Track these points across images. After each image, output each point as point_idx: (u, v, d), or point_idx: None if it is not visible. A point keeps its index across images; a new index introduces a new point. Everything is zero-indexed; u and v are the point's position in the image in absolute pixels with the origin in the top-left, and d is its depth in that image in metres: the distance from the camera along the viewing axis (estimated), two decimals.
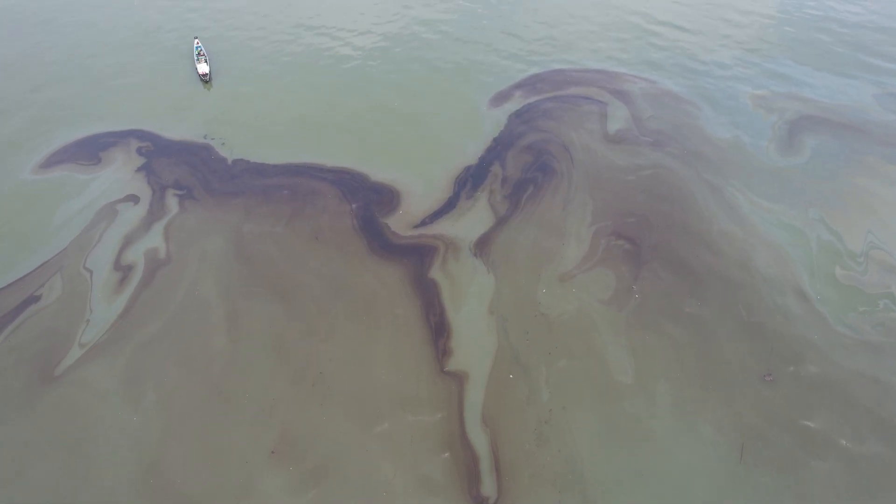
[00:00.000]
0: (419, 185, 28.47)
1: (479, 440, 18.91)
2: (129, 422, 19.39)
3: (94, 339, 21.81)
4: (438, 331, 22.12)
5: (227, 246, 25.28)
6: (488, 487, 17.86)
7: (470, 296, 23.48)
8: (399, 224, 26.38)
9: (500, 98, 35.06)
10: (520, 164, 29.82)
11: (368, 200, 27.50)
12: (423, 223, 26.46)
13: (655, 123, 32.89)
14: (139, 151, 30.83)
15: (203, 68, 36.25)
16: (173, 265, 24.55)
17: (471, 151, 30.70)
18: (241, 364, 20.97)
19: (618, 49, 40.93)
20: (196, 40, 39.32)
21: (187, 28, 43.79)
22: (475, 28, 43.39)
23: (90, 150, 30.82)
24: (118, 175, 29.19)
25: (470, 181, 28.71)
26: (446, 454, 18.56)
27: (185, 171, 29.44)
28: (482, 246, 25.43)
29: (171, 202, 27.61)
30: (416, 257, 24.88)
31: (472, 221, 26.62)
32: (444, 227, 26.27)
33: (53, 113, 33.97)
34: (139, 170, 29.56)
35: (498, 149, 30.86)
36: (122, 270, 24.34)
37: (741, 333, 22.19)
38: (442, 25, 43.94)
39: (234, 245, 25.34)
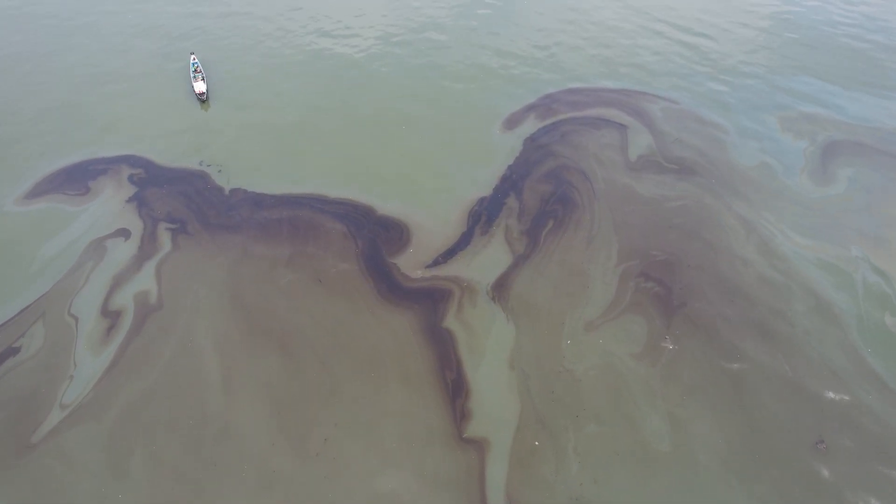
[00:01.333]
0: (430, 218, 26.48)
1: None
2: (114, 499, 17.36)
3: (77, 399, 19.82)
4: (455, 389, 20.14)
5: (222, 289, 23.29)
6: None
7: (489, 348, 21.50)
8: (409, 264, 24.40)
9: (514, 121, 33.05)
10: (537, 195, 27.82)
11: (375, 237, 25.49)
12: (436, 263, 24.48)
13: (679, 149, 30.88)
14: (131, 179, 28.83)
15: (200, 87, 34.22)
16: (165, 311, 22.56)
17: (484, 181, 28.71)
18: (237, 430, 18.98)
19: (635, 67, 38.93)
20: (192, 56, 37.31)
21: (182, 43, 41.68)
22: (483, 48, 41.38)
23: (78, 179, 28.83)
24: (108, 207, 27.19)
25: (484, 215, 26.71)
26: None
27: (179, 201, 27.43)
28: (500, 289, 23.45)
29: (164, 238, 25.62)
30: (429, 303, 22.89)
31: (488, 261, 24.64)
32: (458, 268, 24.28)
33: (38, 137, 31.93)
34: (130, 200, 27.57)
35: (513, 178, 28.86)
36: (110, 317, 22.36)
37: (787, 393, 20.20)
38: (449, 45, 41.93)
39: (231, 289, 23.34)
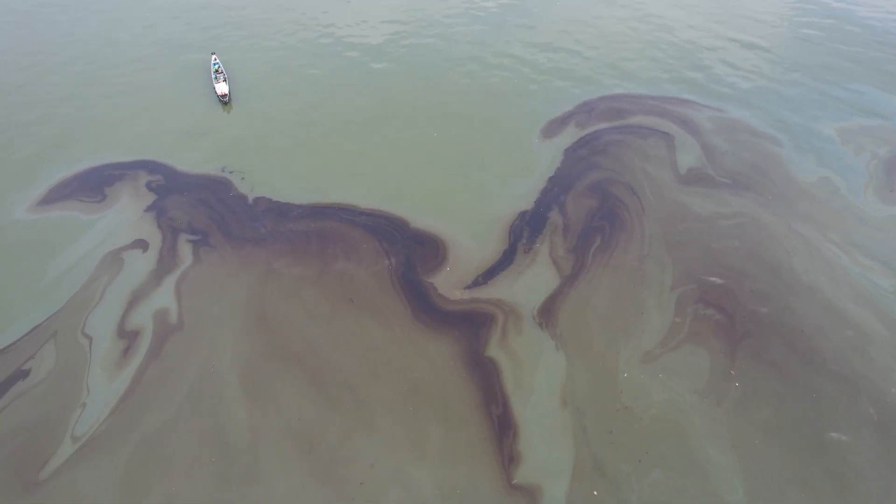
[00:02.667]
0: (467, 233, 24.61)
1: None
2: None
3: (91, 430, 18.11)
4: (502, 428, 18.22)
5: (247, 309, 21.52)
6: None
7: (537, 381, 19.58)
8: (447, 284, 22.52)
9: (552, 129, 31.10)
10: (582, 209, 25.85)
11: (409, 253, 23.65)
12: (476, 283, 22.58)
13: (732, 161, 28.79)
14: (149, 186, 27.16)
15: (222, 88, 32.55)
16: (185, 332, 20.84)
17: (524, 193, 26.78)
18: (264, 470, 17.15)
19: (678, 72, 36.82)
20: (214, 56, 35.68)
21: (203, 42, 40.06)
22: (519, 52, 39.39)
23: (94, 185, 27.21)
24: (125, 215, 25.55)
25: (526, 230, 24.79)
26: None
27: (201, 211, 25.73)
28: (547, 314, 21.52)
29: (185, 250, 23.91)
30: (470, 328, 21.01)
31: (532, 282, 22.71)
32: (500, 290, 22.38)
33: (52, 140, 30.38)
34: (148, 209, 25.89)
35: (555, 190, 26.90)
36: (127, 337, 20.67)
37: (873, 439, 18.10)
38: (483, 50, 39.99)
39: (256, 308, 21.58)
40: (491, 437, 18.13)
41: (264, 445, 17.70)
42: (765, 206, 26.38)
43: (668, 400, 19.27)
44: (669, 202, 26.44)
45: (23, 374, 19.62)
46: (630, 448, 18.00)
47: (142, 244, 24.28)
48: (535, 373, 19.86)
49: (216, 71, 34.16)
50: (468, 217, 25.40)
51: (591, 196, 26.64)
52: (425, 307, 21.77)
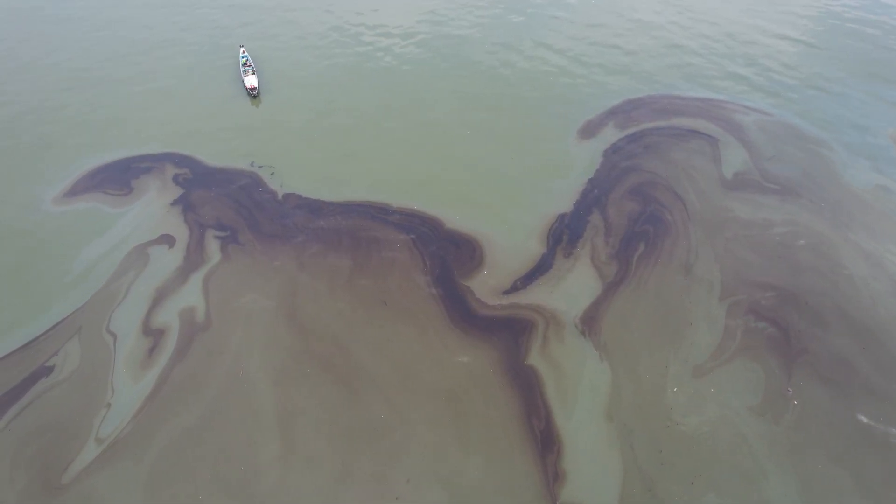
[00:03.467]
0: (505, 236, 23.55)
1: None
2: None
3: (114, 432, 17.36)
4: (546, 443, 17.16)
5: (277, 309, 20.67)
6: None
7: (581, 393, 18.46)
8: (484, 289, 21.48)
9: (590, 129, 29.93)
10: (623, 213, 24.67)
11: (445, 255, 22.65)
12: (514, 288, 21.52)
13: (780, 167, 27.44)
14: (176, 180, 26.44)
15: (251, 81, 31.80)
16: (213, 333, 20.02)
17: (562, 195, 25.67)
18: (294, 482, 16.27)
19: (721, 72, 35.45)
20: (242, 49, 34.97)
21: (230, 35, 39.40)
22: (555, 51, 38.22)
23: (121, 177, 26.59)
24: (151, 209, 24.85)
25: (566, 234, 23.69)
26: None
27: (229, 206, 24.95)
28: (590, 322, 20.40)
29: (212, 247, 23.12)
30: (509, 335, 19.96)
31: (574, 288, 21.61)
32: (540, 295, 21.30)
33: (80, 131, 29.84)
34: (175, 203, 25.17)
35: (595, 193, 25.75)
36: (153, 336, 19.89)
37: None
38: (517, 47, 38.88)
39: (286, 309, 20.71)
40: (534, 452, 17.10)
41: (294, 456, 16.82)
42: (818, 214, 25.01)
43: (721, 417, 18.09)
44: (715, 208, 25.17)
45: (46, 370, 18.93)
46: (682, 469, 16.85)
47: (168, 239, 23.54)
48: (579, 384, 18.76)
49: (244, 64, 33.44)
50: (505, 218, 24.36)
51: (632, 200, 25.46)
52: (462, 312, 20.77)
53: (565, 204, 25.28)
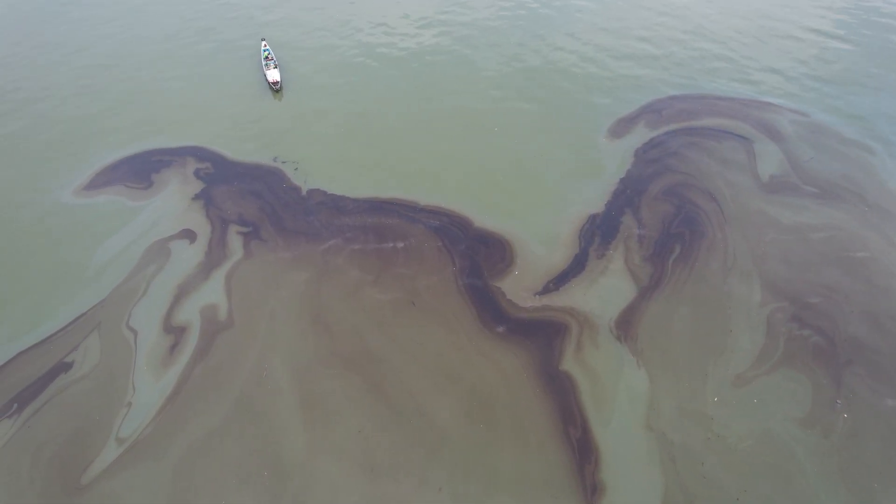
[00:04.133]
0: (535, 235, 22.81)
1: None
2: None
3: (136, 432, 16.77)
4: (582, 452, 16.37)
5: (302, 309, 20.02)
6: None
7: (618, 400, 17.66)
8: (515, 290, 20.73)
9: (620, 128, 29.09)
10: (657, 215, 23.82)
11: (474, 255, 21.92)
12: (546, 290, 20.76)
13: (818, 169, 26.46)
14: (197, 174, 25.89)
15: (273, 75, 31.24)
16: (235, 331, 19.40)
17: (593, 195, 24.84)
18: (322, 489, 15.63)
19: (754, 70, 34.45)
20: (263, 42, 34.45)
21: (252, 28, 38.88)
22: (583, 45, 37.33)
23: (141, 171, 26.08)
24: (172, 203, 24.30)
25: (598, 235, 22.87)
26: None
27: (251, 201, 24.36)
28: (626, 326, 19.58)
29: (234, 243, 22.52)
30: (542, 338, 19.20)
31: (607, 291, 20.79)
32: (573, 297, 20.52)
33: (100, 123, 29.43)
34: (196, 197, 24.61)
35: (627, 193, 24.91)
36: (174, 333, 19.30)
37: None
38: (544, 42, 38.05)
39: (311, 308, 20.07)
40: (571, 462, 16.34)
41: (322, 461, 16.17)
42: (860, 219, 24.04)
43: (766, 430, 17.22)
44: (752, 211, 24.26)
45: (66, 366, 18.43)
46: (725, 484, 16.03)
47: (189, 234, 22.98)
48: (616, 392, 17.96)
49: (266, 57, 32.90)
50: (535, 218, 23.58)
51: (666, 201, 24.61)
52: (493, 313, 20.04)
53: (596, 204, 24.49)
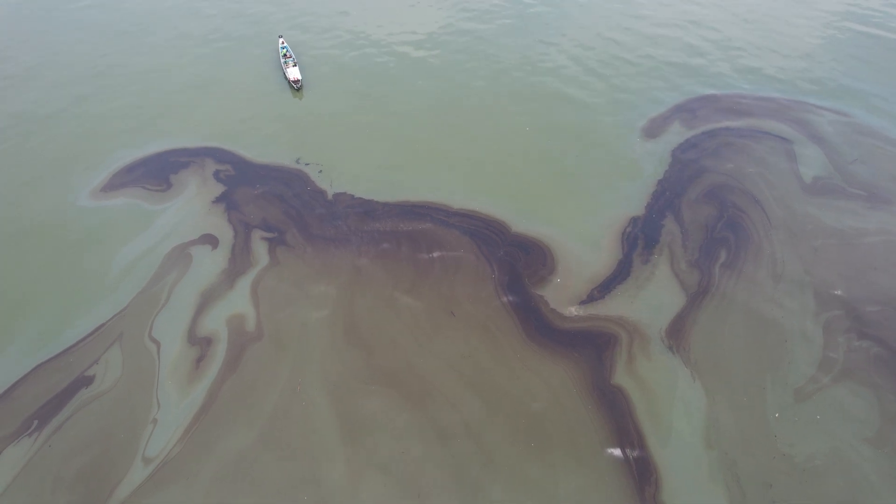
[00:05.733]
0: (575, 240, 21.77)
1: None
2: None
3: (163, 451, 15.66)
4: (641, 473, 15.30)
5: (334, 319, 18.94)
6: None
7: (676, 416, 16.62)
8: (559, 298, 19.67)
9: (655, 127, 28.06)
10: (700, 218, 22.80)
11: (513, 261, 20.89)
12: (591, 298, 19.70)
13: (864, 172, 25.44)
14: (217, 176, 24.81)
15: (294, 73, 30.18)
16: (265, 343, 18.32)
17: (632, 197, 23.82)
18: None
19: (790, 69, 33.42)
20: (281, 40, 33.40)
21: (269, 25, 37.82)
22: (612, 43, 36.24)
23: (159, 172, 25.01)
24: (191, 206, 23.24)
25: (641, 239, 21.83)
26: None
27: (275, 205, 23.29)
28: (677, 337, 18.54)
29: (259, 249, 21.45)
30: (591, 350, 18.15)
31: (655, 298, 19.77)
32: (620, 306, 19.47)
33: (116, 123, 28.35)
34: (217, 201, 23.54)
35: (667, 195, 23.88)
36: (199, 345, 18.22)
37: None
38: (568, 38, 37.00)
39: (344, 318, 19.00)
40: (630, 483, 15.28)
41: (364, 485, 15.09)
42: None
43: (834, 449, 16.17)
44: (799, 215, 23.23)
45: (87, 380, 17.34)
46: None
47: (211, 240, 21.91)
48: (672, 407, 16.92)
49: (284, 55, 31.84)
50: (574, 221, 22.55)
51: (708, 203, 23.59)
52: (537, 323, 18.98)
53: (636, 206, 23.46)
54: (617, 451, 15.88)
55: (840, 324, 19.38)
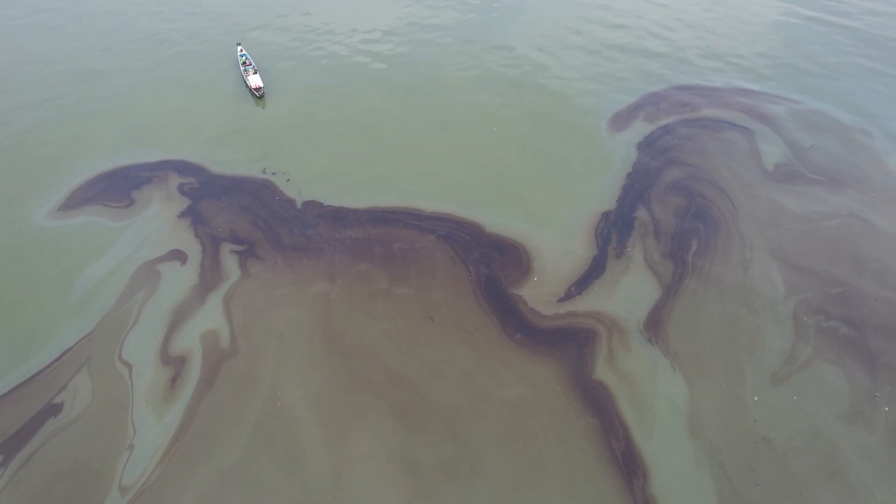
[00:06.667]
0: (549, 238, 21.85)
1: None
2: None
3: (141, 477, 15.13)
4: (629, 467, 15.42)
5: (311, 330, 18.60)
6: None
7: (659, 408, 16.81)
8: (537, 297, 19.71)
9: (620, 122, 28.44)
10: (670, 209, 23.17)
11: (490, 262, 20.84)
12: (569, 295, 19.78)
13: (821, 157, 26.25)
14: (181, 190, 24.14)
15: (255, 81, 29.57)
16: (242, 359, 17.88)
17: (604, 192, 24.07)
18: None
19: (746, 60, 34.32)
20: (240, 47, 32.70)
21: (227, 33, 37.00)
22: (576, 40, 36.56)
23: (120, 188, 24.21)
24: (156, 222, 22.55)
25: (614, 233, 22.05)
26: None
27: (243, 217, 22.76)
28: (655, 328, 18.78)
29: (229, 263, 20.92)
30: (572, 347, 18.23)
31: (632, 291, 19.99)
32: (597, 301, 19.62)
33: (71, 138, 27.27)
34: (183, 215, 22.89)
35: (636, 188, 24.21)
36: (173, 365, 17.65)
37: None
38: (528, 38, 37.25)
39: (321, 329, 18.66)
40: (618, 478, 15.35)
41: (352, 496, 14.73)
42: (869, 204, 23.86)
43: (811, 428, 16.61)
44: (763, 202, 23.84)
45: (55, 409, 16.62)
46: (780, 489, 15.30)
47: (179, 255, 21.28)
48: (655, 398, 17.09)
49: (244, 63, 31.16)
50: (547, 219, 22.65)
51: (676, 194, 24.01)
52: (517, 324, 18.96)
53: (607, 201, 23.71)
54: (604, 447, 15.89)
55: (808, 306, 19.90)
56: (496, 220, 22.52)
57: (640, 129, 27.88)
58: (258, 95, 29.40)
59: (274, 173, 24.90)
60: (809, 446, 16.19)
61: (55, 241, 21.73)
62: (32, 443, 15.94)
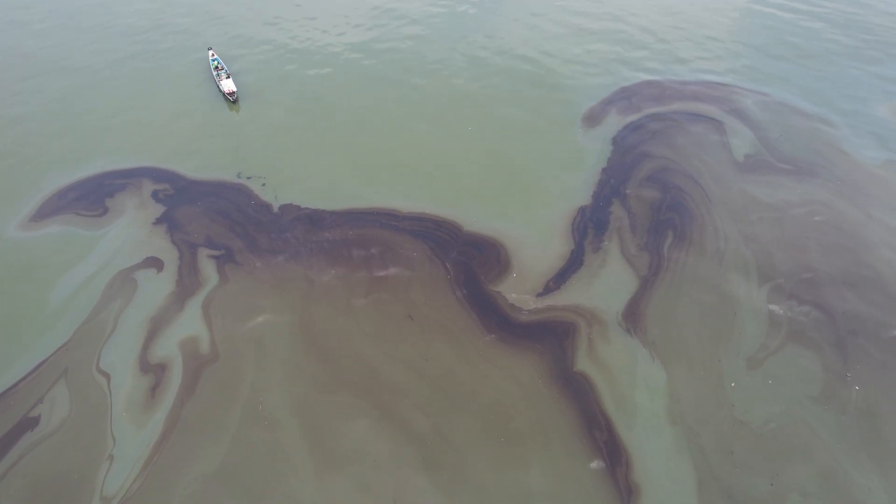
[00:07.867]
0: (527, 234, 22.09)
1: None
2: None
3: (122, 487, 14.99)
4: (612, 456, 15.72)
5: (291, 334, 18.58)
6: None
7: (639, 397, 17.11)
8: (516, 292, 19.89)
9: (593, 118, 28.81)
10: (645, 202, 23.56)
11: (468, 260, 21.00)
12: (548, 290, 20.03)
13: (788, 146, 26.93)
14: (155, 196, 23.89)
15: (228, 85, 29.34)
16: (222, 364, 17.79)
17: (579, 187, 24.39)
18: None
19: (712, 54, 34.99)
20: (211, 52, 32.42)
21: (197, 37, 36.64)
22: (547, 38, 36.95)
23: (93, 196, 23.89)
24: (131, 230, 22.30)
25: (591, 227, 22.37)
26: None
27: (219, 222, 22.61)
28: (634, 319, 19.10)
29: (207, 268, 20.79)
30: (553, 340, 18.47)
31: (609, 284, 20.31)
32: (576, 295, 19.89)
33: (40, 146, 26.81)
34: (158, 222, 22.67)
35: (611, 183, 24.57)
36: (153, 373, 17.50)
37: None
38: (499, 36, 37.53)
39: (301, 332, 18.64)
40: (602, 466, 15.52)
41: (339, 497, 14.75)
42: (836, 192, 24.54)
43: (786, 410, 17.05)
44: (734, 192, 24.38)
45: (31, 422, 16.36)
46: (758, 470, 15.66)
47: (155, 262, 21.07)
48: (634, 388, 17.40)
49: (216, 67, 30.91)
50: (524, 216, 22.89)
51: (651, 187, 24.43)
52: (497, 320, 19.14)
53: (583, 195, 24.02)
54: (586, 438, 16.13)
55: (781, 292, 20.39)
56: (473, 219, 22.71)
57: (613, 123, 28.30)
58: (232, 100, 29.19)
59: (249, 177, 24.76)
60: (785, 428, 16.61)
61: (27, 253, 21.36)
62: (9, 458, 15.70)
